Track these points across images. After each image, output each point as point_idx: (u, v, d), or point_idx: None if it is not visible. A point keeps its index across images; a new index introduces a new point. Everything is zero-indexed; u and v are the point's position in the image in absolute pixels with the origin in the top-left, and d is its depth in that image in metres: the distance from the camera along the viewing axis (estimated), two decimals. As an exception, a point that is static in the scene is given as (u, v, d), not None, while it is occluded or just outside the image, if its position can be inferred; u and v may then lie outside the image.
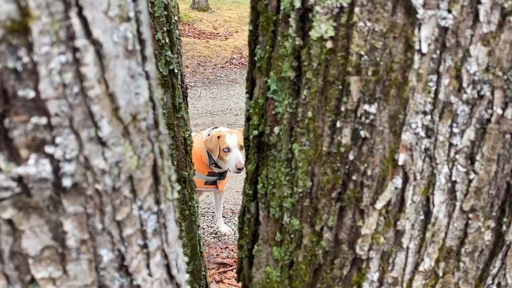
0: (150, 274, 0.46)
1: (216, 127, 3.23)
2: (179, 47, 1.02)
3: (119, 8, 0.36)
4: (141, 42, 0.39)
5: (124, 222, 0.41)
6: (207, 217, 3.69)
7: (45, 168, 0.35)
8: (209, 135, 3.07)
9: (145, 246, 0.44)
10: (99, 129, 0.37)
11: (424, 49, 0.57)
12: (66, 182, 0.37)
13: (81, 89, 0.35)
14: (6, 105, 0.33)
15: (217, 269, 3.03)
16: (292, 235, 0.76)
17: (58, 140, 0.35)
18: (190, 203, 1.10)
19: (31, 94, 0.33)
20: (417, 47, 0.57)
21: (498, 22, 0.56)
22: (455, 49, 0.57)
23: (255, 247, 0.86)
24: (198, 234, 1.20)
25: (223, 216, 3.65)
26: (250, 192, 0.87)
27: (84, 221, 0.39)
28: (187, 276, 0.56)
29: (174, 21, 0.98)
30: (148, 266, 0.45)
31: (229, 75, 8.61)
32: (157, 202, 0.44)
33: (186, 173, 1.08)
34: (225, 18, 11.49)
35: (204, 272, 1.29)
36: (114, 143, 0.38)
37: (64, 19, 0.33)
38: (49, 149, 0.35)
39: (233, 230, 3.50)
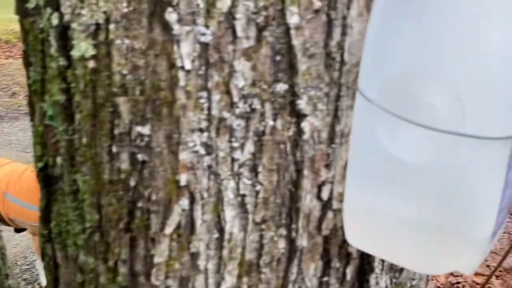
0: None
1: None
2: None
3: None
4: None
5: None
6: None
7: None
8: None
9: None
10: None
11: (188, 66, 0.55)
12: None
13: None
14: None
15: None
16: (90, 275, 0.69)
17: None
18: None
19: None
20: (180, 64, 0.55)
21: (256, 37, 0.57)
22: (221, 65, 0.57)
23: (55, 293, 0.76)
24: (9, 284, 1.03)
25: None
26: (45, 232, 0.77)
27: None
28: None
29: None
30: None
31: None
32: None
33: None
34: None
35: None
36: None
37: None
38: None
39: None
